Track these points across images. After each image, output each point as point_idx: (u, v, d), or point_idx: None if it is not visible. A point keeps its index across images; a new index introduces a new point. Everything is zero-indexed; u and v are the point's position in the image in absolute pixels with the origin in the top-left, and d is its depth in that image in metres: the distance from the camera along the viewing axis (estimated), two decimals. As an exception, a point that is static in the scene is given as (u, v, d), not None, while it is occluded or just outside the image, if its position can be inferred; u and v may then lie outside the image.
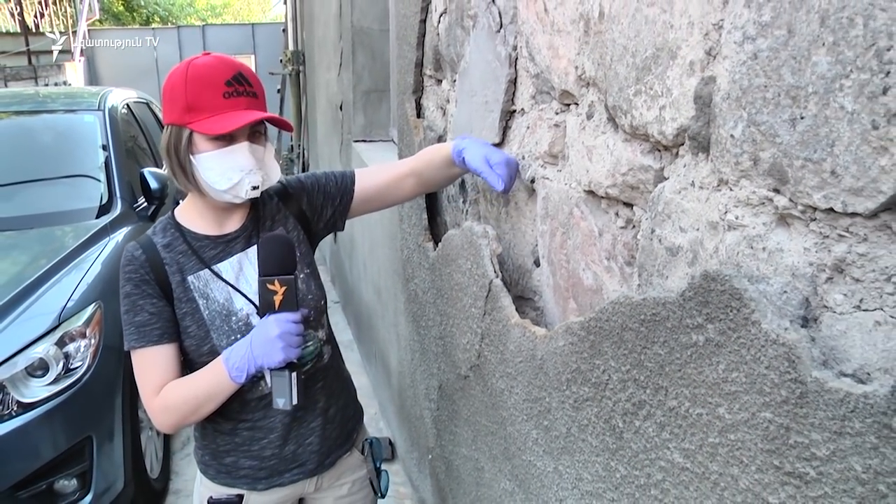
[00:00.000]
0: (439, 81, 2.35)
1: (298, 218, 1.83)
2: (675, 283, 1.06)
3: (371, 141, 4.97)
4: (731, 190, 0.94)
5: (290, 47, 9.48)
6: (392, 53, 4.67)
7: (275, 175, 1.65)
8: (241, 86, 1.56)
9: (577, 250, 1.40)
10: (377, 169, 1.91)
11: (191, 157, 1.57)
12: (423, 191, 1.94)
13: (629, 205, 1.24)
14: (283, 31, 10.31)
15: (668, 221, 1.09)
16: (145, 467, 3.39)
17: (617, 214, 1.28)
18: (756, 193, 0.89)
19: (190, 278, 1.65)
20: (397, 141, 2.87)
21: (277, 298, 1.51)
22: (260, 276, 1.53)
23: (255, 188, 1.59)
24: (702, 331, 0.90)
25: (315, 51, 7.80)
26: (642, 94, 1.11)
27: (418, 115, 2.58)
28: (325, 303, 1.81)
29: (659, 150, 1.13)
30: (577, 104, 1.38)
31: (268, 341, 1.51)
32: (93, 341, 3.00)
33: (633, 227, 1.24)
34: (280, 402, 1.54)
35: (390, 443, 3.90)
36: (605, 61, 1.21)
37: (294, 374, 1.54)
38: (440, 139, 2.34)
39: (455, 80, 2.12)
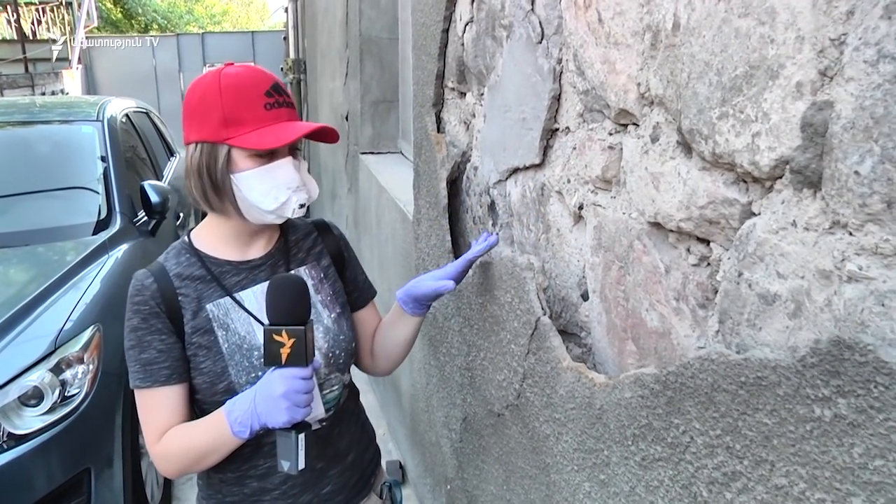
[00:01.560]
0: (463, 94, 2.21)
1: (335, 257, 1.71)
2: (774, 337, 0.92)
3: (379, 153, 4.84)
4: (851, 235, 0.80)
5: (291, 55, 9.39)
6: (402, 64, 4.54)
7: (315, 191, 1.53)
8: (281, 96, 1.44)
9: (638, 287, 1.26)
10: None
11: (231, 176, 1.43)
12: (379, 366, 1.82)
13: (704, 240, 1.10)
14: (284, 39, 10.23)
15: (760, 265, 0.95)
16: (146, 496, 3.24)
17: (688, 250, 1.13)
18: (890, 242, 0.75)
19: (209, 306, 1.50)
20: (413, 157, 2.73)
21: (284, 351, 1.34)
22: (267, 324, 1.38)
23: (302, 206, 1.48)
24: (829, 405, 0.76)
25: (318, 59, 7.68)
26: (729, 118, 0.97)
27: (438, 130, 2.44)
28: (355, 345, 1.67)
29: (746, 182, 0.99)
30: (636, 125, 1.24)
31: (271, 399, 1.35)
32: (91, 367, 2.86)
33: (709, 265, 1.10)
34: (285, 466, 1.38)
35: (400, 465, 3.77)
36: (679, 79, 1.07)
37: (301, 436, 1.37)
38: (464, 155, 2.21)
39: (483, 94, 1.98)
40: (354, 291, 1.75)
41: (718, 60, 0.98)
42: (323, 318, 1.60)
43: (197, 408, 1.54)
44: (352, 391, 1.74)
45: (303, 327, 1.34)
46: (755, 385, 0.87)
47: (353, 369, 1.75)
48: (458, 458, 2.37)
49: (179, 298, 1.49)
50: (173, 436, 1.45)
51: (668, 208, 1.14)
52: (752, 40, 0.91)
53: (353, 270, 1.76)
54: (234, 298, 1.52)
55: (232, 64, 1.47)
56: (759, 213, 0.96)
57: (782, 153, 0.88)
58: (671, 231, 1.16)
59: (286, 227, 1.66)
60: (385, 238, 3.74)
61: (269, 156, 1.43)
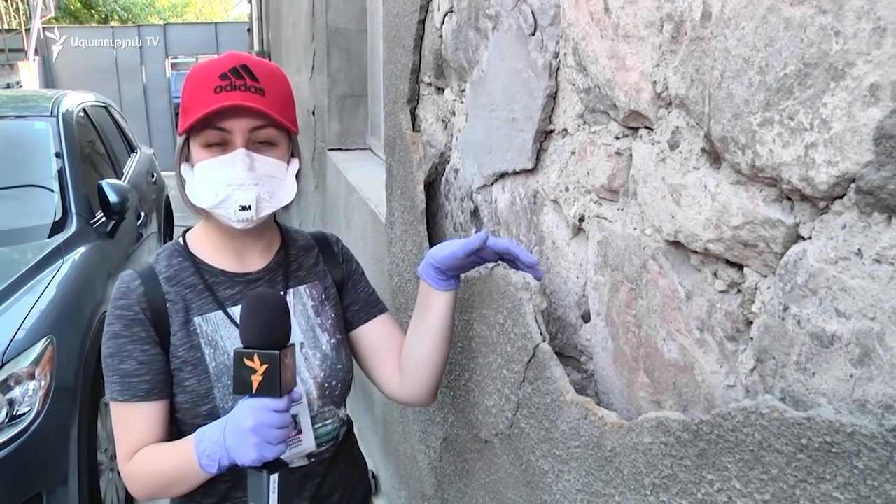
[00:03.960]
0: (440, 90, 2.05)
1: (336, 277, 1.54)
2: (832, 386, 0.78)
3: (347, 149, 4.67)
4: (943, 271, 0.65)
5: (256, 48, 9.19)
6: (371, 57, 4.37)
7: (285, 196, 1.35)
8: (240, 79, 1.26)
9: (653, 313, 1.11)
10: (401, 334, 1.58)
11: (183, 167, 1.32)
12: (409, 382, 1.50)
13: (735, 264, 0.95)
14: (248, 30, 10.02)
15: (813, 299, 0.80)
16: (105, 516, 3.05)
17: (715, 275, 0.99)
18: None
19: (197, 319, 1.36)
20: (385, 156, 2.56)
21: (256, 379, 1.19)
22: (239, 346, 1.22)
23: (244, 208, 1.28)
24: (934, 488, 0.61)
25: (282, 52, 7.48)
26: (774, 125, 0.82)
27: (413, 128, 2.27)
28: (351, 377, 1.51)
29: (791, 200, 0.84)
30: (650, 129, 1.09)
31: (239, 433, 1.19)
32: (43, 383, 2.65)
33: (740, 292, 0.95)
34: None
35: (373, 475, 3.62)
36: (709, 78, 0.92)
37: (274, 477, 1.21)
38: (442, 156, 2.05)
39: (464, 90, 1.82)
40: (355, 304, 1.56)
41: (762, 57, 0.83)
42: (321, 343, 1.45)
43: (175, 428, 1.39)
44: (348, 427, 1.58)
45: (276, 352, 1.19)
46: (821, 451, 0.72)
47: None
48: (437, 476, 2.22)
49: (167, 305, 1.35)
50: (143, 457, 1.32)
51: (693, 226, 0.99)
52: (808, 33, 0.76)
53: (356, 284, 1.58)
54: (227, 313, 1.37)
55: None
56: (811, 238, 0.82)
57: (846, 169, 0.74)
58: (694, 252, 1.01)
59: (286, 240, 1.50)
60: (355, 240, 3.57)
61: (221, 146, 1.28)
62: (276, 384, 1.19)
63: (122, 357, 1.32)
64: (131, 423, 1.33)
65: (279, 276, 1.45)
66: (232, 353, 1.32)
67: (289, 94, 1.36)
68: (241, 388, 1.20)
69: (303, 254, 1.52)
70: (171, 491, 1.33)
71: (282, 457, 1.25)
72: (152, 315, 1.34)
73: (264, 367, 1.18)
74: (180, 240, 1.44)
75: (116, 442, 1.36)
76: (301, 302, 1.46)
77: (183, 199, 1.36)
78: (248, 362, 1.19)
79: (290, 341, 1.24)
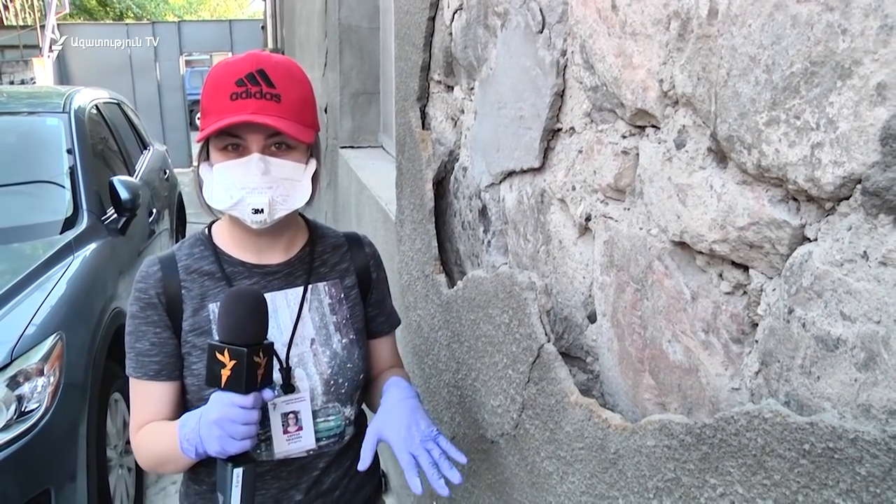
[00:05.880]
0: (450, 88, 2.04)
1: (361, 277, 1.55)
2: (837, 390, 0.76)
3: (359, 147, 4.66)
4: (950, 273, 0.64)
5: (269, 45, 9.21)
6: (384, 54, 4.36)
7: (300, 198, 1.35)
8: (256, 85, 1.27)
9: (658, 314, 1.10)
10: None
11: (203, 167, 1.35)
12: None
13: (741, 265, 0.94)
14: (262, 28, 10.03)
15: (818, 301, 0.79)
16: (114, 511, 3.05)
17: (721, 276, 0.97)
18: None
19: (212, 306, 1.39)
20: (395, 154, 2.56)
21: (224, 373, 1.19)
22: (212, 338, 1.26)
23: (257, 212, 1.29)
24: (937, 496, 0.60)
25: (296, 49, 7.49)
26: (780, 124, 0.81)
27: (423, 126, 2.27)
28: (364, 377, 1.51)
29: (797, 201, 0.83)
30: (657, 127, 1.08)
31: (206, 423, 1.22)
32: (52, 379, 2.65)
33: (745, 293, 0.94)
34: (219, 499, 1.24)
35: (383, 473, 3.61)
36: (715, 76, 0.91)
37: (238, 471, 1.21)
38: (451, 154, 2.04)
39: (473, 88, 1.81)
40: (380, 316, 1.61)
41: (768, 55, 0.81)
42: (332, 341, 1.46)
43: (185, 409, 1.42)
44: (359, 428, 1.56)
45: (244, 349, 1.19)
46: (824, 457, 0.71)
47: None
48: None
49: (182, 292, 1.40)
50: (146, 433, 1.39)
51: (698, 226, 0.98)
52: (815, 30, 0.75)
53: (380, 294, 1.61)
54: None
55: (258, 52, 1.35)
56: (816, 240, 0.80)
57: (852, 170, 0.72)
58: (700, 253, 1.00)
59: (315, 236, 1.52)
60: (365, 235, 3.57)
61: (237, 150, 1.31)
62: (241, 380, 1.19)
63: (137, 336, 1.39)
64: (142, 399, 1.40)
65: (299, 270, 1.46)
66: None
67: (307, 97, 1.36)
68: (212, 380, 1.22)
69: (329, 251, 1.53)
70: (167, 468, 1.38)
71: (251, 452, 1.28)
72: (167, 300, 1.38)
73: (233, 362, 1.19)
74: (206, 230, 1.47)
75: (131, 413, 1.43)
76: (318, 298, 1.47)
77: (198, 198, 1.39)
78: (219, 356, 1.20)
79: (269, 340, 1.25)
